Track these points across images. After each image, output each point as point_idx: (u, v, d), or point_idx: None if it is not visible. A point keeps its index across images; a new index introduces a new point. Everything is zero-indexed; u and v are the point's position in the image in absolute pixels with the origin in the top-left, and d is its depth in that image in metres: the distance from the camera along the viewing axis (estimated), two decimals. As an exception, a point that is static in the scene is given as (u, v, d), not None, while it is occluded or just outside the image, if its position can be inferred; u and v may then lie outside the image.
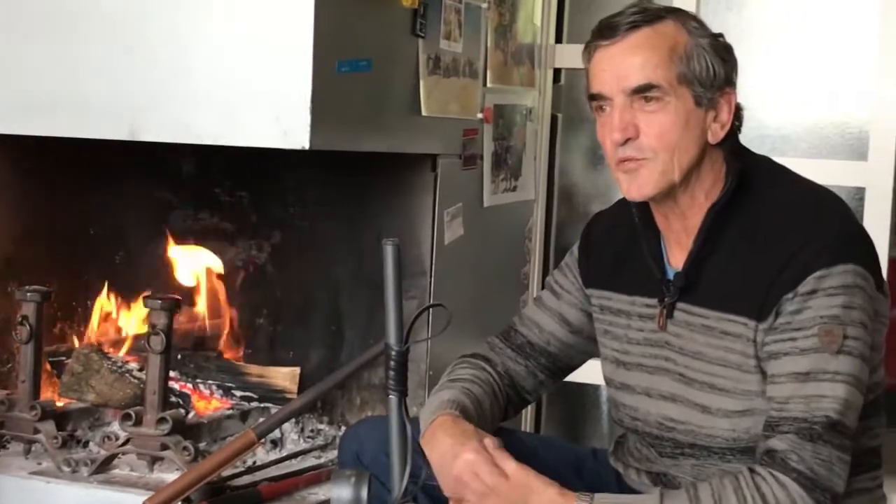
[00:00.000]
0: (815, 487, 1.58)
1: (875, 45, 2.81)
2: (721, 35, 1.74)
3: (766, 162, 1.79)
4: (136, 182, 2.87)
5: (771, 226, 1.69)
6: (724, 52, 1.71)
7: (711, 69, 1.69)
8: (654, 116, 1.68)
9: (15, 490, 2.36)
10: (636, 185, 1.72)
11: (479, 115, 2.79)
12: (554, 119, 3.17)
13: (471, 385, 1.85)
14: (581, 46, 3.13)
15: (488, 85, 2.81)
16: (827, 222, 1.69)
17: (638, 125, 1.69)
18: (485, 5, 2.76)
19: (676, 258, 1.77)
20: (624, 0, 3.25)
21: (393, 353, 1.50)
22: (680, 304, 1.74)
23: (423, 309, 1.75)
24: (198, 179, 2.88)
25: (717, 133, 1.71)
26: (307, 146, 2.16)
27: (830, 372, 1.61)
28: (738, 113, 1.73)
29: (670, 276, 1.77)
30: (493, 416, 1.87)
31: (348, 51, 2.26)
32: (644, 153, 1.69)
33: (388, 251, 1.49)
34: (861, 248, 1.68)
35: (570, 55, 3.11)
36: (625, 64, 1.68)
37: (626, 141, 1.69)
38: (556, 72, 3.14)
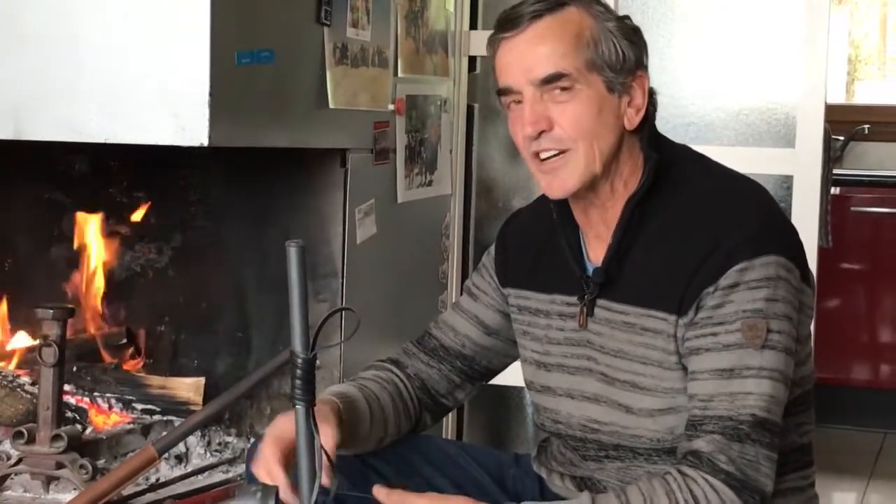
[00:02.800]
0: (744, 489, 1.61)
1: (800, 28, 2.85)
2: (627, 17, 1.76)
3: (684, 150, 1.82)
4: (24, 183, 2.85)
5: (690, 218, 1.71)
6: (632, 35, 1.73)
7: (620, 53, 1.70)
8: (566, 106, 1.70)
9: None
10: (559, 181, 1.73)
11: (391, 107, 2.80)
12: (470, 109, 3.19)
13: (368, 382, 1.86)
14: (496, 33, 3.13)
15: (399, 75, 2.83)
16: (748, 213, 1.72)
17: (550, 116, 1.70)
18: (394, -9, 2.77)
19: (596, 253, 1.79)
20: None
21: (299, 360, 1.50)
22: (600, 301, 1.76)
23: (330, 313, 1.75)
24: (92, 179, 2.86)
25: (632, 118, 1.73)
26: (206, 143, 2.15)
27: (755, 368, 1.64)
28: (651, 98, 1.75)
29: (590, 272, 1.79)
30: (398, 414, 1.88)
31: (249, 41, 2.26)
32: (562, 144, 1.71)
33: (293, 253, 1.49)
34: (784, 238, 1.71)
35: (485, 42, 3.11)
36: (530, 55, 1.70)
37: (540, 134, 1.71)
38: (472, 60, 3.16)
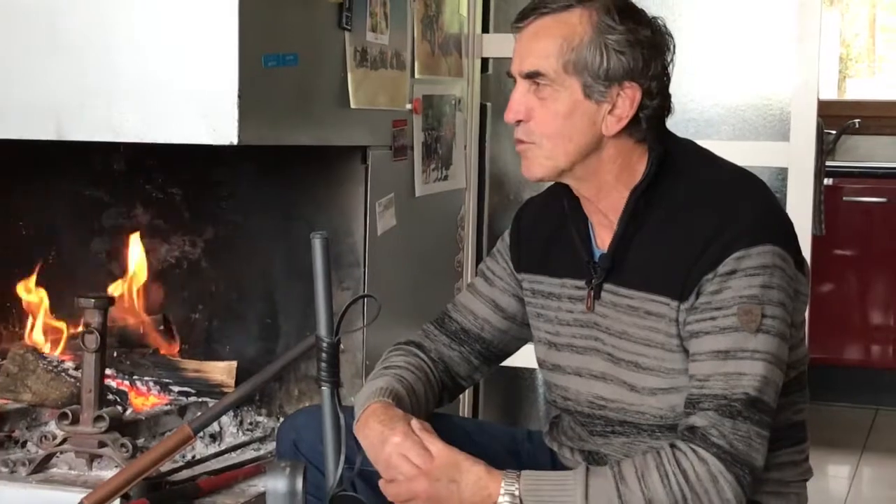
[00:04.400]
0: (734, 462, 1.61)
1: (794, 28, 2.84)
2: (650, 27, 1.72)
3: (688, 145, 1.82)
4: (66, 181, 2.85)
5: (692, 208, 1.71)
6: (637, 45, 1.69)
7: (605, 63, 1.68)
8: (543, 103, 1.71)
9: (-48, 492, 2.34)
10: (526, 167, 1.76)
11: (408, 106, 2.79)
12: (483, 108, 3.19)
13: (404, 372, 1.85)
14: (507, 36, 3.15)
15: (416, 76, 2.82)
16: (746, 204, 1.71)
17: (530, 108, 1.71)
18: (411, -2, 2.77)
19: (603, 240, 1.79)
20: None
21: (324, 344, 1.51)
22: (606, 286, 1.76)
23: (353, 300, 1.77)
24: (129, 177, 2.86)
25: (611, 125, 1.71)
26: (236, 141, 2.15)
27: (749, 350, 1.64)
28: (655, 98, 1.73)
29: (597, 257, 1.79)
30: (428, 401, 1.88)
31: (274, 45, 2.25)
32: (530, 137, 1.73)
33: (317, 244, 1.50)
34: (780, 228, 1.70)
35: (497, 44, 3.12)
36: (525, 49, 1.72)
37: (518, 123, 1.72)
38: (484, 61, 3.16)
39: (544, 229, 1.89)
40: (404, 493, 1.66)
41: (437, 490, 1.64)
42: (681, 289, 1.67)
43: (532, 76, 1.70)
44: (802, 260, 1.74)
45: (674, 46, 1.75)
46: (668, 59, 1.74)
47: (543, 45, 1.69)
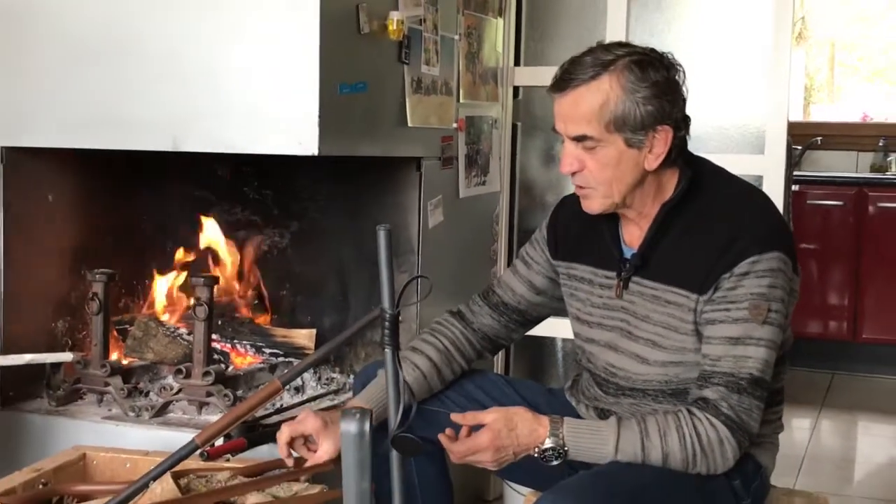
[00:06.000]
0: (738, 430, 1.61)
1: (768, 63, 2.82)
2: (664, 68, 1.67)
3: (706, 164, 1.79)
4: (180, 184, 2.87)
5: (712, 218, 1.70)
6: (661, 96, 1.65)
7: (640, 116, 1.64)
8: (592, 156, 1.68)
9: (91, 432, 2.36)
10: (587, 206, 1.74)
11: (454, 125, 2.79)
12: (514, 127, 3.17)
13: (424, 360, 1.90)
14: (535, 69, 3.16)
15: (461, 101, 2.81)
16: (758, 216, 1.70)
17: (583, 160, 1.69)
18: (456, 37, 2.75)
19: (632, 238, 1.78)
20: (568, 26, 3.27)
21: (387, 315, 1.50)
22: (634, 279, 1.75)
23: (410, 280, 1.76)
24: (231, 181, 2.87)
25: (651, 163, 1.68)
26: (317, 153, 2.16)
27: (756, 338, 1.63)
28: (680, 132, 1.69)
29: (626, 254, 1.78)
30: (452, 368, 1.92)
31: (348, 76, 2.25)
32: (587, 183, 1.71)
33: (382, 235, 1.49)
34: (784, 237, 1.69)
35: (526, 75, 3.11)
36: (567, 115, 1.68)
37: (574, 173, 1.70)
38: (516, 89, 3.14)
39: (578, 225, 1.87)
40: (473, 447, 1.65)
41: (501, 438, 1.64)
42: (701, 284, 1.66)
43: (579, 139, 1.66)
44: (797, 263, 1.73)
45: (684, 73, 1.70)
46: (684, 88, 1.70)
47: (584, 111, 1.65)
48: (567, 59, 1.70)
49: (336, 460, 1.77)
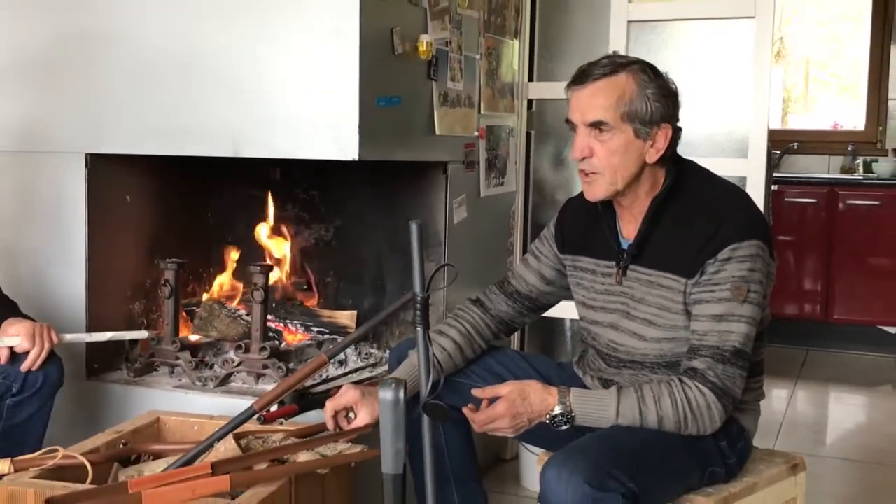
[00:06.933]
0: (723, 395, 1.60)
1: (751, 78, 2.79)
2: (667, 81, 1.70)
3: (692, 164, 1.79)
4: (239, 185, 2.88)
5: (698, 211, 1.69)
6: (666, 96, 1.67)
7: (650, 111, 1.65)
8: (603, 144, 1.67)
9: (163, 399, 2.38)
10: (590, 192, 1.73)
11: (476, 133, 2.78)
12: (528, 135, 3.16)
13: (449, 342, 1.89)
14: (546, 84, 3.13)
15: (482, 112, 2.81)
16: (737, 209, 1.69)
17: (593, 148, 1.68)
18: (478, 56, 2.74)
19: (628, 231, 1.77)
20: (575, 47, 3.24)
21: (418, 299, 1.50)
22: (632, 266, 1.75)
23: (438, 268, 1.77)
24: (283, 182, 2.88)
25: (652, 156, 1.68)
26: (357, 158, 2.16)
27: (737, 315, 1.62)
28: (676, 134, 1.70)
29: (624, 246, 1.77)
30: (473, 349, 1.92)
31: (384, 90, 2.25)
32: (595, 169, 1.70)
33: (413, 229, 1.49)
34: (762, 227, 1.68)
35: (538, 90, 3.09)
36: (586, 104, 1.67)
37: (584, 158, 1.69)
38: (530, 102, 3.12)
39: (581, 223, 1.87)
40: (492, 416, 1.66)
41: (516, 407, 1.64)
42: (689, 270, 1.65)
43: (596, 125, 1.66)
44: (773, 250, 1.72)
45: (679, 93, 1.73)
46: (680, 101, 1.72)
47: (602, 101, 1.65)
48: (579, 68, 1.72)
49: (375, 425, 1.78)
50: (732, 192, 1.75)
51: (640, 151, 1.67)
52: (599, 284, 1.81)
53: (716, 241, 1.63)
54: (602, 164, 1.68)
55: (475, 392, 1.71)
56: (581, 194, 1.94)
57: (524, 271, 1.96)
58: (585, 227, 1.85)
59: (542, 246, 1.95)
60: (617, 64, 1.67)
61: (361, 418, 1.80)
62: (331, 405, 1.82)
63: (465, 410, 1.69)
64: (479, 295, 1.98)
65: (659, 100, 1.66)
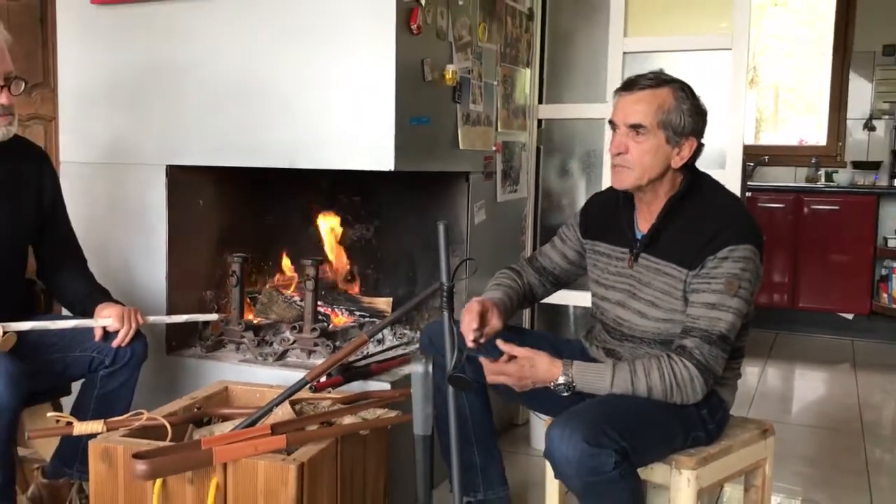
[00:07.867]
0: (706, 371, 1.59)
1: (728, 100, 2.76)
2: (699, 101, 1.69)
3: (707, 176, 1.78)
4: (294, 192, 2.89)
5: (706, 215, 1.69)
6: (697, 114, 1.68)
7: (682, 123, 1.65)
8: (638, 144, 1.67)
9: (231, 371, 2.39)
10: (619, 180, 1.72)
11: (494, 148, 2.77)
12: (538, 149, 3.15)
13: (508, 290, 1.88)
14: (554, 106, 3.10)
15: (498, 130, 2.80)
16: (739, 218, 1.68)
17: (629, 146, 1.68)
18: (496, 83, 2.73)
19: (643, 225, 1.77)
20: (579, 75, 3.21)
21: (444, 287, 1.50)
22: (643, 255, 1.74)
23: (461, 261, 1.76)
24: (331, 190, 2.88)
25: (676, 162, 1.68)
26: (392, 168, 2.16)
27: (727, 306, 1.61)
28: (699, 148, 1.70)
29: (638, 236, 1.76)
30: (519, 304, 1.91)
31: (416, 112, 2.25)
32: (627, 164, 1.70)
33: (441, 228, 1.49)
34: (757, 236, 1.67)
35: (547, 111, 3.08)
36: (630, 108, 1.67)
37: (619, 154, 1.68)
38: (539, 121, 3.11)
39: (603, 213, 1.87)
40: (502, 371, 1.67)
41: (524, 371, 1.65)
42: (691, 263, 1.65)
43: (635, 126, 1.66)
44: (763, 255, 1.71)
45: (707, 113, 1.72)
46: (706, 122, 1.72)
47: (644, 108, 1.65)
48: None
49: (407, 393, 1.78)
50: (736, 203, 1.74)
51: (667, 156, 1.67)
52: (613, 267, 1.81)
53: (717, 242, 1.63)
54: (634, 160, 1.68)
55: (499, 342, 1.71)
56: (606, 190, 1.94)
57: (551, 251, 1.97)
58: (606, 218, 1.85)
59: (568, 231, 1.95)
60: (661, 80, 1.68)
61: (491, 327, 1.75)
62: (476, 305, 1.74)
63: (482, 359, 1.69)
64: (513, 265, 1.99)
65: (692, 115, 1.66)
